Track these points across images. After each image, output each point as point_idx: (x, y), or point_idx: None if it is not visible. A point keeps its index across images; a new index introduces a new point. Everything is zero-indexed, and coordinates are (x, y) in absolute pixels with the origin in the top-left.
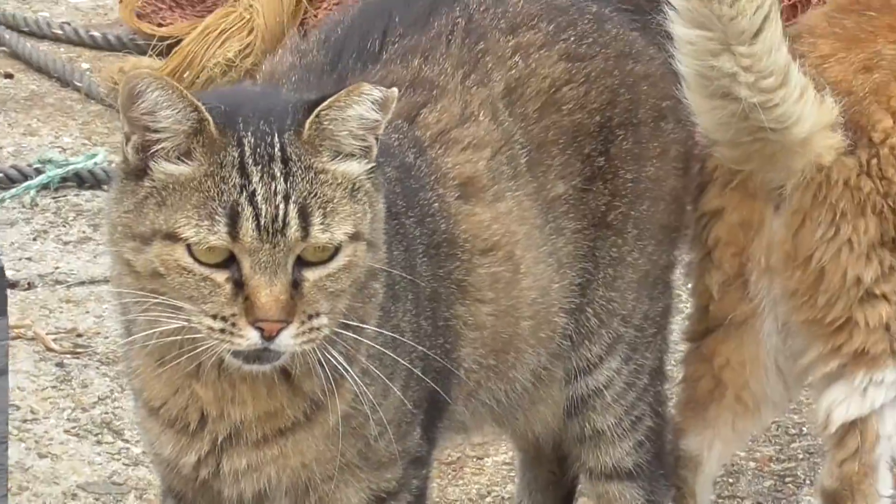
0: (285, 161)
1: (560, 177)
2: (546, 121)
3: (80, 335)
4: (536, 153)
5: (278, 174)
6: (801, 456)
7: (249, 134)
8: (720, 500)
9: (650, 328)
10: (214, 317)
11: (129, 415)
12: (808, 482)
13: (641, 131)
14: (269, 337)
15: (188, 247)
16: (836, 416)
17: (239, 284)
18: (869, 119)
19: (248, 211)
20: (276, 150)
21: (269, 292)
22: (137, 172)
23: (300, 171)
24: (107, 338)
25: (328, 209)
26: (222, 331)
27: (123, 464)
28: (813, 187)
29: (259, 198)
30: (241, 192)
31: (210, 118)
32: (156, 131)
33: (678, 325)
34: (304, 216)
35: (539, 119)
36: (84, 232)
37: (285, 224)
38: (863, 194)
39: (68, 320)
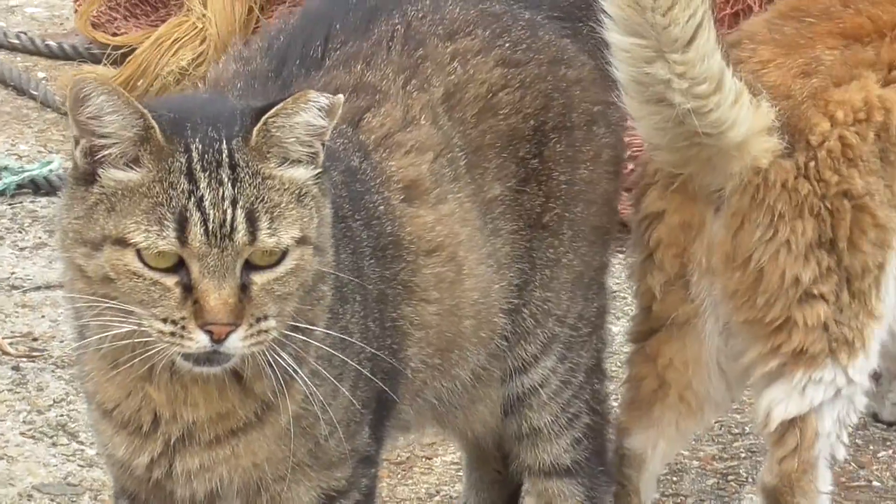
0: (233, 167)
1: (496, 179)
2: (483, 125)
3: (35, 339)
4: (474, 156)
5: (226, 180)
6: (743, 455)
7: (197, 140)
8: (664, 498)
9: (585, 328)
10: (164, 320)
11: (84, 417)
12: (750, 480)
13: (574, 135)
14: (218, 340)
15: (138, 252)
16: (775, 414)
17: (188, 288)
18: (807, 122)
19: (196, 216)
20: (224, 156)
21: (217, 296)
22: (87, 178)
23: (248, 177)
24: (62, 342)
25: (275, 214)
26: (172, 334)
27: (78, 465)
28: (751, 190)
29: (207, 203)
30: (190, 197)
31: (156, 125)
32: (102, 136)
33: (623, 327)
34: (252, 221)
35: (477, 123)
36: (40, 238)
37: (233, 229)
38: (800, 196)
39: (24, 325)
